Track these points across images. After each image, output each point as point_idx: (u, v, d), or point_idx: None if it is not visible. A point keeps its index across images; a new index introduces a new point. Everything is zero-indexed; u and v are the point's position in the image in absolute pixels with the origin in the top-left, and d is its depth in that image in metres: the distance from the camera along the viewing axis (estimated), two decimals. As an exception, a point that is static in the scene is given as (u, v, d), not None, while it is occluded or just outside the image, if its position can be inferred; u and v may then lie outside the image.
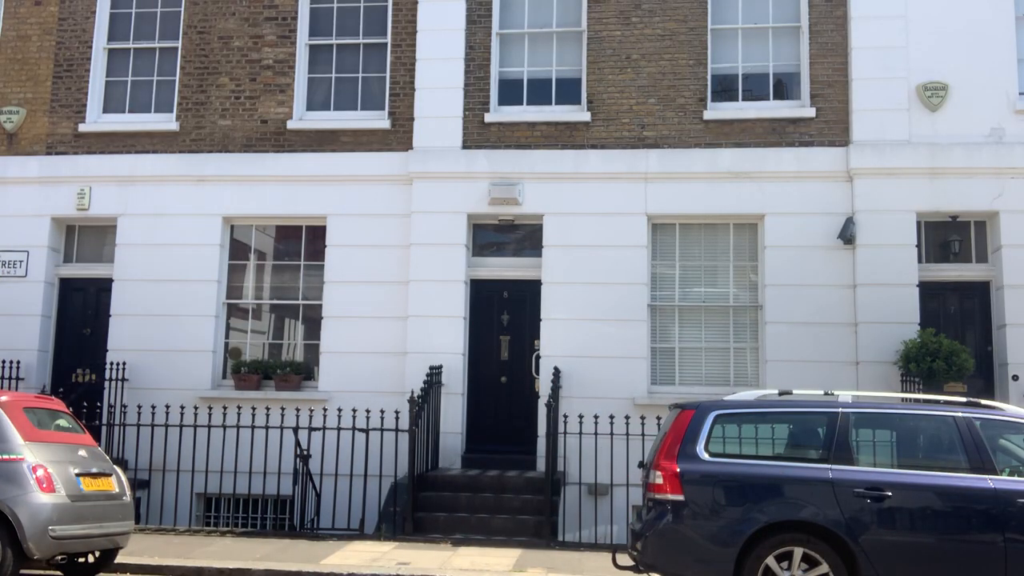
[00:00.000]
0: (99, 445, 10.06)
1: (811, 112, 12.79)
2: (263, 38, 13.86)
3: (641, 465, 8.70)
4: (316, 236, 13.57)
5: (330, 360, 13.06)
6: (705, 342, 12.81)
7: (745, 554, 7.10)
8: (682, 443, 7.48)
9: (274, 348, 13.67)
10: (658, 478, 7.43)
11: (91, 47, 14.13)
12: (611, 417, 11.40)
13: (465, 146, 13.22)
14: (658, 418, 10.93)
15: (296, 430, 11.69)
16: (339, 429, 11.77)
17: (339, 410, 12.19)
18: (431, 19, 13.45)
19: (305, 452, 11.60)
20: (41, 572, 9.23)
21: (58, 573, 9.27)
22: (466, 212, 13.04)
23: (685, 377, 12.80)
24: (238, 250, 13.78)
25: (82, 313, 13.92)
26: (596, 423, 11.39)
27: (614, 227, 12.76)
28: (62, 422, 9.24)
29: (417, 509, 11.30)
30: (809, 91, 12.87)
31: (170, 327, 13.25)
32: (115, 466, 9.39)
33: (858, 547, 7.00)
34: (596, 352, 12.48)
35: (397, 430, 11.67)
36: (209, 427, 12.14)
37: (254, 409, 11.95)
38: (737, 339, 12.78)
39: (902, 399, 9.51)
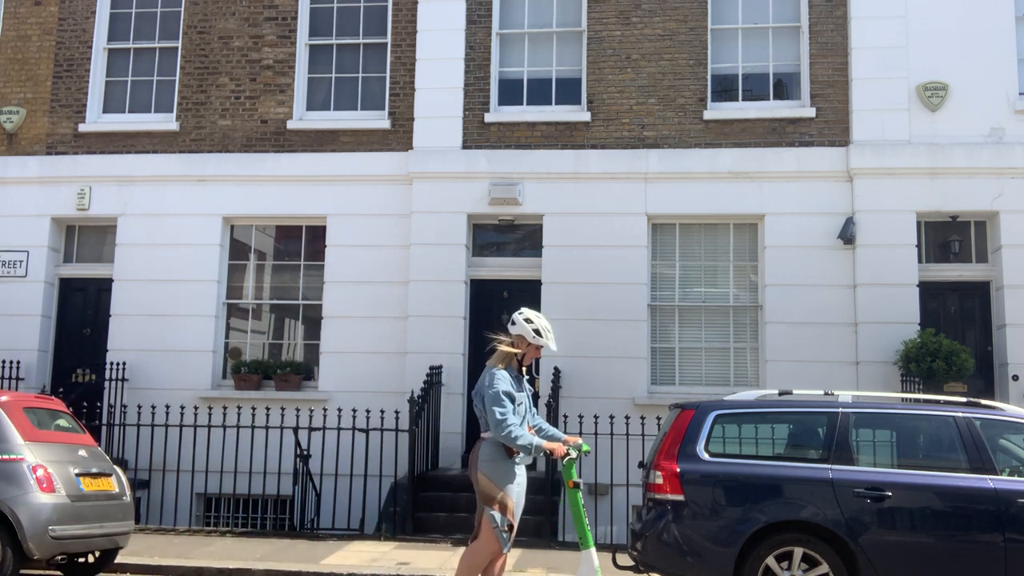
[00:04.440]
0: (99, 445, 10.06)
1: (811, 112, 12.80)
2: (263, 38, 13.86)
3: (641, 465, 8.70)
4: (316, 236, 13.58)
5: (330, 360, 13.06)
6: (705, 342, 12.81)
7: (745, 554, 7.10)
8: (682, 443, 7.47)
9: (274, 348, 13.67)
10: (658, 478, 7.43)
11: (91, 47, 14.13)
12: (611, 417, 11.40)
13: (465, 146, 13.22)
14: (658, 418, 10.92)
15: (296, 430, 11.69)
16: (339, 429, 11.77)
17: (339, 410, 12.18)
18: (431, 19, 13.46)
19: (305, 452, 11.61)
20: (41, 572, 9.23)
21: (58, 573, 9.27)
22: (466, 212, 13.04)
23: (685, 377, 12.80)
24: (238, 250, 13.79)
25: (82, 313, 13.92)
26: (596, 423, 11.38)
27: (614, 227, 12.77)
28: (62, 422, 9.24)
29: (417, 509, 11.30)
30: (809, 91, 12.87)
31: (170, 327, 13.25)
32: (115, 466, 9.39)
33: (858, 547, 6.99)
34: (596, 352, 12.48)
35: (397, 430, 11.66)
36: (209, 427, 12.13)
37: (254, 409, 11.94)
38: (737, 339, 12.78)
39: (902, 399, 9.51)
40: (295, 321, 13.70)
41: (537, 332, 6.50)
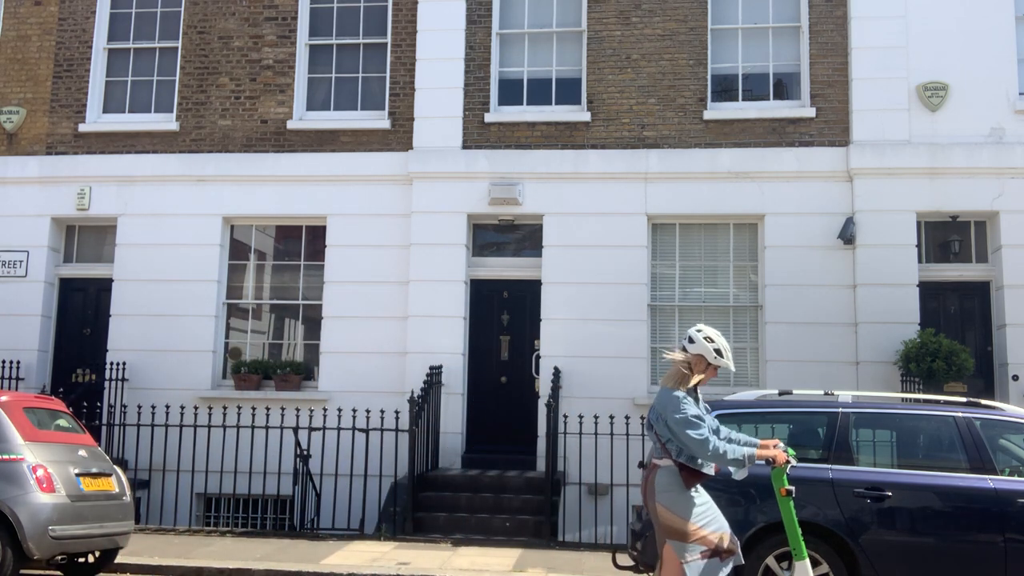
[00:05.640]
0: (99, 445, 10.07)
1: (811, 112, 12.80)
2: (263, 38, 13.86)
3: (641, 465, 8.68)
4: (316, 236, 13.57)
5: (330, 360, 13.06)
6: (705, 342, 12.78)
7: (745, 554, 7.08)
8: (682, 443, 7.45)
9: (274, 348, 13.67)
10: (658, 478, 7.40)
11: (91, 47, 14.13)
12: (611, 417, 11.40)
13: (465, 146, 13.22)
14: (658, 418, 10.90)
15: (296, 430, 11.69)
16: (339, 429, 11.76)
17: (339, 410, 12.18)
18: (431, 19, 13.46)
19: (305, 452, 11.61)
20: (41, 572, 9.24)
21: (58, 573, 9.27)
22: (466, 212, 13.04)
23: (685, 377, 12.76)
24: (238, 250, 13.79)
25: (82, 313, 13.92)
26: (596, 423, 11.39)
27: (614, 227, 12.77)
28: (62, 422, 9.24)
29: (417, 509, 11.30)
30: (809, 91, 12.87)
31: (170, 327, 13.25)
32: (115, 466, 9.39)
33: (858, 547, 7.00)
34: (596, 352, 12.48)
35: (397, 430, 11.67)
36: (209, 427, 12.13)
37: (254, 409, 11.94)
38: (737, 339, 12.77)
39: (902, 399, 9.51)
40: (295, 321, 13.70)
41: (718, 352, 5.95)
